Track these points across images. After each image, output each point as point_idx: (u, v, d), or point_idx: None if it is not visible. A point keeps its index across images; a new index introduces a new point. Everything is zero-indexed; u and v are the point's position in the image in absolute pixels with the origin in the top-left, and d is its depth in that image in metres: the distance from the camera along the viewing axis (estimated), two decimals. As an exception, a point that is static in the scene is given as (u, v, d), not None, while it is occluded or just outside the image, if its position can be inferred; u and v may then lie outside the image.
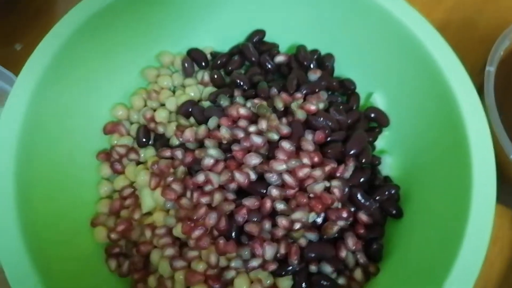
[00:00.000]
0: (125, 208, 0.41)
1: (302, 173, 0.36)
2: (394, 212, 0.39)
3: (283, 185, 0.37)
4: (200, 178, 0.37)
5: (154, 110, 0.44)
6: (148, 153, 0.42)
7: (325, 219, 0.37)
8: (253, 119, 0.39)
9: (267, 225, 0.36)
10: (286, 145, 0.37)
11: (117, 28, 0.41)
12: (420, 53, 0.37)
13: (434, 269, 0.32)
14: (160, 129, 0.42)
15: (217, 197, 0.36)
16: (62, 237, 0.37)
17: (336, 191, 0.37)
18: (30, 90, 0.36)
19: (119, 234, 0.39)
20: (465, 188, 0.33)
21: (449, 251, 0.31)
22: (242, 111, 0.39)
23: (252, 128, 0.38)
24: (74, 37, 0.38)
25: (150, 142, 0.43)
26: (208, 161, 0.37)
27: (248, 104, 0.40)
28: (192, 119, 0.42)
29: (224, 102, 0.40)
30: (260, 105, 0.39)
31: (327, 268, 0.37)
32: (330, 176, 0.38)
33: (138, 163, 0.42)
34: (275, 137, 0.38)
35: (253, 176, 0.36)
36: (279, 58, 0.45)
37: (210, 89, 0.45)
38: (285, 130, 0.38)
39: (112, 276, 0.39)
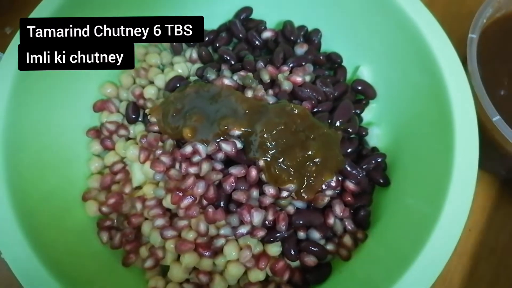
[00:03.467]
0: (115, 183, 0.41)
1: (288, 141, 0.36)
2: (381, 180, 0.40)
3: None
4: (188, 149, 0.37)
5: (143, 88, 0.44)
6: (137, 129, 0.42)
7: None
8: (239, 90, 0.40)
9: (254, 193, 0.36)
10: (272, 115, 0.37)
11: (101, 6, 0.41)
12: (407, 27, 0.38)
13: (419, 234, 0.32)
14: (149, 105, 0.43)
15: (205, 167, 0.37)
16: (55, 212, 0.37)
17: (322, 159, 0.37)
18: (14, 69, 0.36)
19: (110, 207, 0.39)
20: (448, 155, 0.33)
21: (432, 216, 0.32)
22: (227, 81, 0.39)
23: (238, 99, 0.39)
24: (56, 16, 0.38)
25: (139, 119, 0.43)
26: (195, 132, 0.37)
27: (235, 77, 0.40)
28: (180, 94, 0.43)
29: (210, 75, 0.41)
30: (246, 76, 0.39)
31: (315, 235, 0.37)
32: (317, 146, 0.38)
33: (128, 139, 0.43)
34: (261, 107, 0.38)
35: (239, 145, 0.37)
36: (266, 34, 0.45)
37: (198, 66, 0.45)
38: (271, 100, 0.38)
39: (104, 248, 0.39)
